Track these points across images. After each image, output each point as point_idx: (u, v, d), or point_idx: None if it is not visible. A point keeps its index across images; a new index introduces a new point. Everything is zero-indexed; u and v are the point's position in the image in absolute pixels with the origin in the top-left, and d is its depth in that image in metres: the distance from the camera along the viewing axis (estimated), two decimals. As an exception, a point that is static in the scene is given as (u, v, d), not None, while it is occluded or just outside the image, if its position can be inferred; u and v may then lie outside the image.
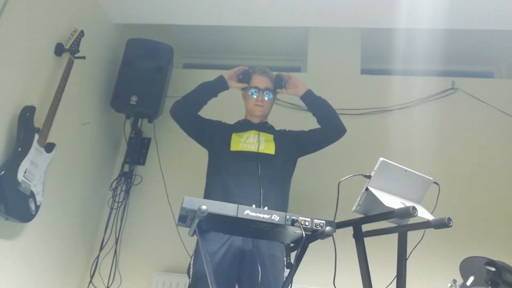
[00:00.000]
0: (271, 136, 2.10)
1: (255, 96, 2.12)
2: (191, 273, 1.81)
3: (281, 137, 2.12)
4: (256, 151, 1.99)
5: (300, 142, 2.13)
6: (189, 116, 2.13)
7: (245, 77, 2.15)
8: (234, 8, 2.66)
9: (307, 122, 2.16)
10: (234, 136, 2.07)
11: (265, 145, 2.04)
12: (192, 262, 1.84)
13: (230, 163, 1.98)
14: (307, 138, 2.14)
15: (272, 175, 1.96)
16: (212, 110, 3.08)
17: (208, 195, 1.96)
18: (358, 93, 3.01)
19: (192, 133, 2.17)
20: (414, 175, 1.49)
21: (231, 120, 2.23)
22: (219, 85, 2.13)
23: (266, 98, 2.13)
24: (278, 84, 2.16)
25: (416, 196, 1.52)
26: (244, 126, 2.14)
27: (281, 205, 1.93)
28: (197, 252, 1.82)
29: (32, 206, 2.01)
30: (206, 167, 2.11)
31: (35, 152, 2.01)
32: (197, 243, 1.83)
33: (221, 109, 3.04)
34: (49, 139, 2.11)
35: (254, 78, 2.15)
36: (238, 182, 1.90)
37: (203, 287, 1.65)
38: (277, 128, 2.22)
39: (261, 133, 2.09)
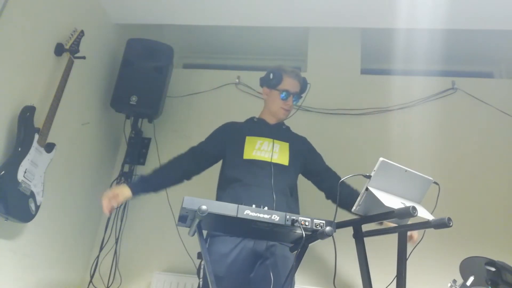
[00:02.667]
0: (286, 145, 2.02)
1: (284, 100, 2.03)
2: (201, 274, 1.79)
3: (297, 147, 2.04)
4: (270, 160, 1.93)
5: (307, 165, 2.06)
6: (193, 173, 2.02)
7: (276, 77, 2.04)
8: (234, 8, 2.66)
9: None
10: (248, 141, 1.99)
11: (279, 154, 1.97)
12: (203, 262, 1.82)
13: (242, 172, 1.92)
14: (312, 171, 2.06)
15: (284, 185, 1.91)
16: (212, 110, 3.09)
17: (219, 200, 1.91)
18: (358, 93, 3.00)
19: (214, 162, 2.09)
20: (414, 175, 1.49)
21: (232, 119, 2.20)
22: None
23: (294, 103, 2.06)
24: (304, 89, 2.09)
25: (416, 196, 1.52)
26: (259, 128, 2.06)
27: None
28: (208, 253, 1.80)
29: (32, 206, 2.01)
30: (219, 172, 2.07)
31: (35, 152, 2.01)
32: (208, 244, 1.82)
33: (222, 108, 3.05)
34: (49, 139, 2.11)
35: (286, 79, 2.04)
36: (250, 191, 1.85)
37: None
38: (294, 129, 2.15)
39: (275, 141, 2.00)
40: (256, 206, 1.33)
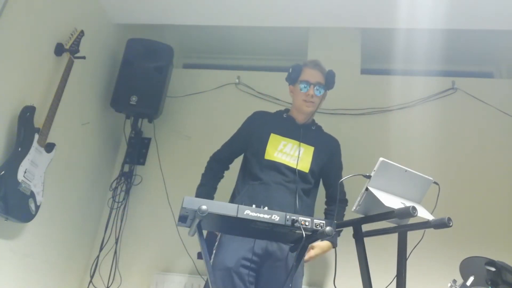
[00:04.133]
0: (311, 149, 1.96)
1: (304, 91, 1.96)
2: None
3: (321, 151, 1.99)
4: (295, 166, 1.90)
5: (324, 170, 2.02)
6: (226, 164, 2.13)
7: (294, 71, 1.99)
8: (234, 8, 2.66)
9: (333, 122, 2.13)
10: (272, 139, 1.95)
11: (301, 160, 1.93)
12: (213, 255, 1.82)
13: (261, 171, 1.90)
14: (324, 177, 2.05)
15: (300, 189, 1.90)
16: (212, 110, 3.09)
17: (235, 201, 1.90)
18: (358, 93, 3.00)
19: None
20: (414, 175, 1.49)
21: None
22: None
23: (317, 94, 1.97)
24: (330, 81, 2.01)
25: (416, 196, 1.52)
26: (286, 126, 2.01)
27: None
28: (218, 246, 1.81)
29: (32, 206, 2.01)
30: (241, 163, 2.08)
31: (35, 152, 2.01)
32: (220, 237, 1.83)
33: (222, 108, 3.05)
34: (49, 139, 2.11)
35: (305, 71, 2.00)
36: (267, 192, 1.85)
37: (221, 278, 1.66)
38: (327, 129, 2.12)
39: (301, 144, 1.95)
40: (256, 206, 1.33)
